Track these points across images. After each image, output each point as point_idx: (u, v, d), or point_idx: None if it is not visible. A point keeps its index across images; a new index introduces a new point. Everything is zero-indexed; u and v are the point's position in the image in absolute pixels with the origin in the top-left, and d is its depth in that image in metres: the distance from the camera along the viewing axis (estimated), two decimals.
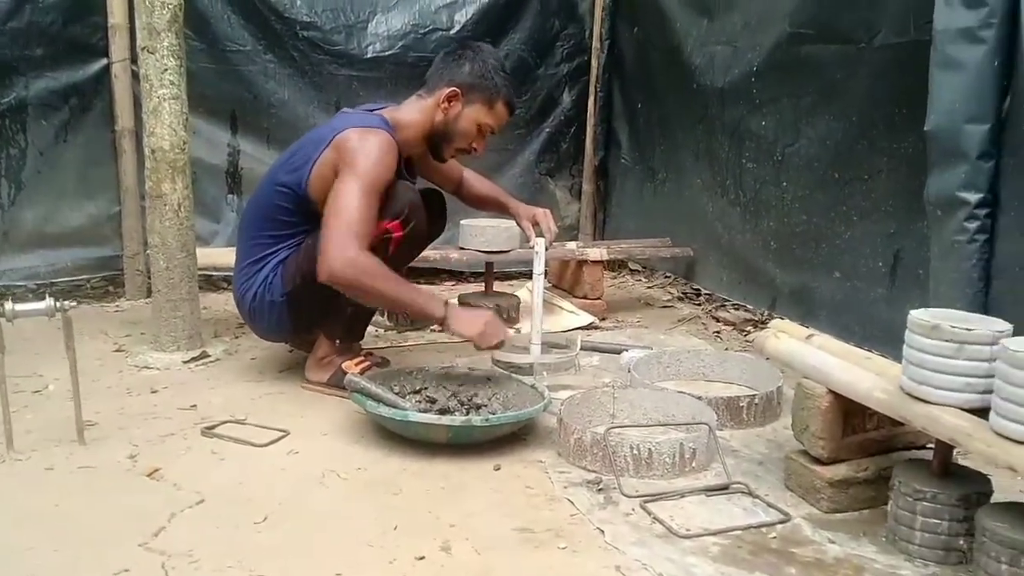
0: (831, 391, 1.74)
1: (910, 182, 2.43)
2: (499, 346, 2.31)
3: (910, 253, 2.50)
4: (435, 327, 3.10)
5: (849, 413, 1.76)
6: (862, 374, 1.72)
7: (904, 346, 1.59)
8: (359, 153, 2.20)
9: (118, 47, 3.34)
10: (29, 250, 3.38)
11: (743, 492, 1.84)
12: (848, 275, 2.76)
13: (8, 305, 1.87)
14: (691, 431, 2.03)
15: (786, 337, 1.95)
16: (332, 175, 2.22)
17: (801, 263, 3.00)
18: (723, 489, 1.85)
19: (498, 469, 1.95)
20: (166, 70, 2.54)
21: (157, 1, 2.49)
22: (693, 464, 1.93)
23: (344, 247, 2.10)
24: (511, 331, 3.13)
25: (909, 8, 2.40)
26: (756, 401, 2.23)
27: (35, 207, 3.36)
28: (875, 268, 2.64)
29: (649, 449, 1.90)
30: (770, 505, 1.78)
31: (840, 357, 1.83)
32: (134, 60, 3.28)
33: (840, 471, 1.77)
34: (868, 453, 1.81)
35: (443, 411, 2.16)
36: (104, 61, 3.38)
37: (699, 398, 2.19)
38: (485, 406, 2.22)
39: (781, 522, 1.71)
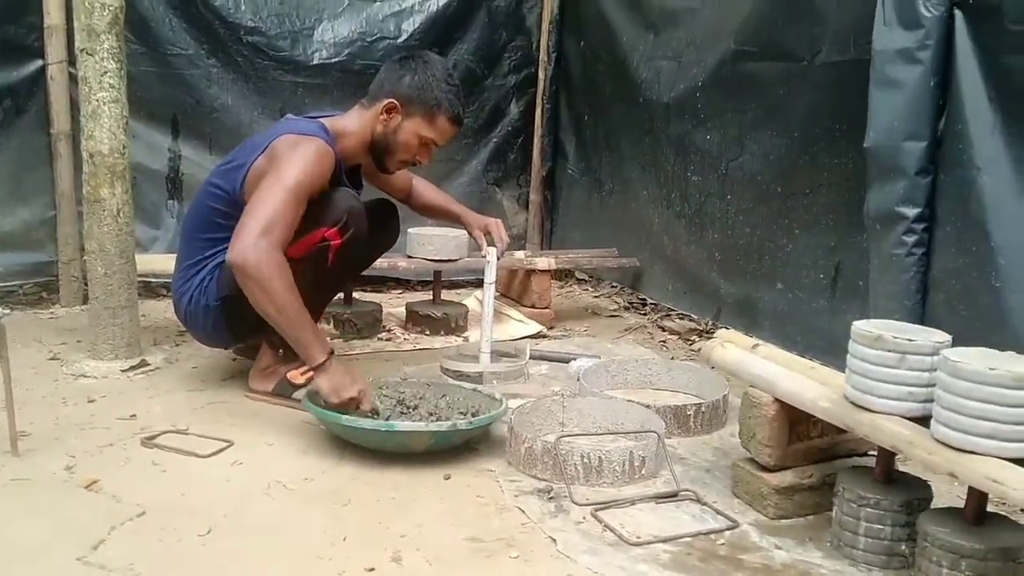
0: (777, 400, 1.77)
1: (850, 196, 2.50)
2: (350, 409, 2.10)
3: (850, 265, 2.57)
4: (383, 336, 3.11)
5: (794, 421, 1.79)
6: (807, 383, 1.76)
7: (848, 356, 1.63)
8: (287, 158, 2.15)
9: (55, 48, 3.24)
10: None
11: (692, 499, 1.87)
12: (791, 286, 2.82)
13: None
14: (640, 439, 2.05)
15: (732, 347, 1.99)
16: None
17: (745, 274, 3.06)
18: (672, 496, 1.87)
19: (448, 479, 1.94)
20: (105, 73, 2.47)
21: (97, 3, 2.42)
22: (642, 472, 1.95)
23: (255, 240, 2.02)
24: (459, 339, 3.13)
25: (850, 28, 2.47)
26: (703, 409, 2.26)
27: None
28: (817, 280, 2.70)
29: (599, 457, 1.91)
30: (718, 512, 1.80)
31: (785, 367, 1.86)
32: (71, 62, 3.18)
33: (786, 478, 1.80)
34: (813, 460, 1.85)
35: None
36: (40, 63, 3.27)
37: (647, 407, 2.21)
38: (436, 413, 2.20)
39: (729, 529, 1.74)
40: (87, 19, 2.43)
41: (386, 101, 2.33)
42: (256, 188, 2.16)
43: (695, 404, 2.27)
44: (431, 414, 2.18)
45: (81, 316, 3.14)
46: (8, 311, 1.90)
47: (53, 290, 3.43)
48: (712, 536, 1.71)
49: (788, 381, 1.78)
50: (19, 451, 1.94)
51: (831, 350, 2.51)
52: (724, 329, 2.34)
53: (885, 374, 1.55)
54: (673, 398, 2.52)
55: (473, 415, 2.14)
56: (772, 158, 2.87)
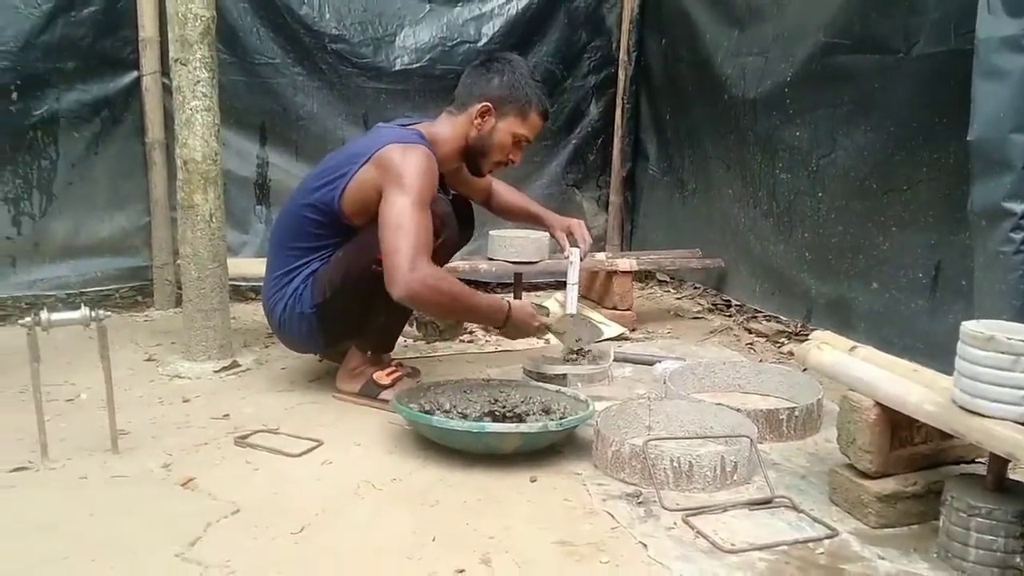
0: (878, 404, 1.70)
1: (951, 192, 2.40)
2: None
3: (952, 264, 2.45)
4: (465, 338, 3.12)
5: (897, 426, 1.72)
6: (911, 386, 1.68)
7: (956, 358, 1.54)
8: (404, 169, 2.17)
9: (149, 60, 3.35)
10: (59, 260, 3.39)
11: (787, 506, 1.80)
12: (887, 286, 2.72)
13: (43, 315, 1.86)
14: (731, 444, 1.99)
15: (829, 349, 1.91)
16: (373, 192, 2.21)
17: (837, 274, 2.95)
18: (766, 503, 1.81)
19: (534, 481, 1.92)
20: (198, 82, 2.54)
21: (190, 14, 2.50)
22: (734, 477, 1.89)
23: (415, 265, 2.09)
24: (541, 342, 3.12)
25: (949, 17, 2.37)
26: (796, 414, 2.19)
27: (65, 218, 3.38)
28: (915, 279, 2.59)
29: (690, 462, 1.86)
30: (816, 520, 1.73)
31: (886, 369, 1.78)
32: (165, 73, 3.30)
33: (888, 485, 1.72)
34: (916, 467, 1.76)
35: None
36: (135, 74, 3.39)
37: (738, 410, 2.15)
38: (531, 414, 2.18)
39: (828, 537, 1.67)
40: (180, 30, 2.50)
41: (479, 105, 2.35)
42: (366, 200, 2.22)
43: (788, 408, 2.19)
44: (517, 415, 2.17)
45: (174, 319, 3.24)
46: (108, 313, 1.96)
47: (148, 293, 3.55)
48: (810, 545, 1.64)
49: (890, 384, 1.70)
50: (119, 449, 2.00)
51: (932, 352, 2.40)
52: (818, 331, 2.26)
53: (998, 377, 1.46)
54: (764, 402, 2.45)
55: (560, 417, 2.12)
56: (867, 154, 2.77)
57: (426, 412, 2.11)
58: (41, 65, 3.22)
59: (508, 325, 2.32)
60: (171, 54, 2.56)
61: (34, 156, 3.28)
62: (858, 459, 1.74)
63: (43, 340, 1.91)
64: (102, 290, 3.49)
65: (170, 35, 2.55)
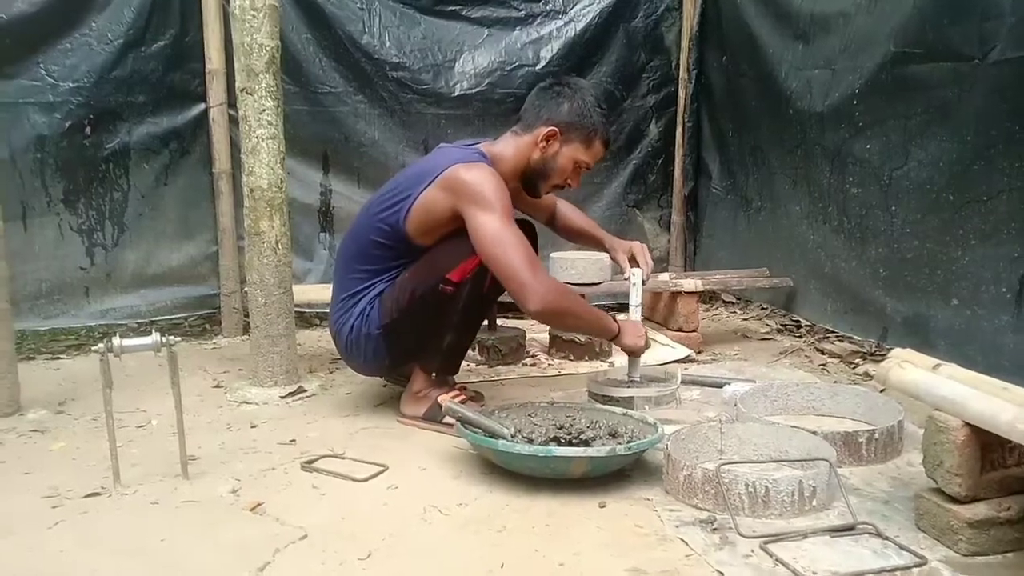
0: (967, 424, 1.61)
1: None
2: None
3: None
4: (528, 361, 3.09)
5: (987, 447, 1.62)
6: (1002, 405, 1.58)
7: None
8: (480, 188, 2.18)
9: (216, 92, 3.44)
10: (130, 290, 3.48)
11: (871, 533, 1.72)
12: (968, 302, 2.60)
13: (116, 341, 1.89)
14: (809, 468, 1.91)
15: (912, 367, 1.83)
16: (441, 213, 2.22)
17: (914, 291, 2.84)
18: (849, 529, 1.73)
19: (603, 507, 1.87)
20: (264, 111, 2.58)
21: (255, 44, 2.55)
22: (813, 503, 1.81)
23: (538, 279, 2.14)
24: (605, 364, 3.07)
25: None
26: (876, 436, 2.09)
27: (136, 248, 3.47)
28: (998, 294, 2.48)
29: (766, 487, 1.79)
30: (902, 547, 1.64)
31: (974, 387, 1.69)
32: (231, 104, 3.38)
33: (980, 510, 1.63)
34: (1010, 491, 1.66)
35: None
36: (202, 106, 3.49)
37: (814, 433, 2.07)
38: (598, 438, 2.13)
39: (917, 565, 1.58)
40: (246, 60, 2.55)
41: (546, 128, 2.34)
42: (432, 221, 2.24)
43: (867, 430, 2.10)
44: (584, 440, 2.12)
45: (241, 346, 3.28)
46: (178, 339, 1.98)
47: (215, 321, 3.61)
48: (898, 573, 1.56)
49: (979, 403, 1.61)
50: (189, 474, 2.01)
51: (1018, 370, 2.29)
52: (897, 349, 2.17)
53: None
54: (841, 424, 2.36)
55: (628, 441, 2.06)
56: (942, 165, 2.67)
57: (491, 436, 2.07)
58: (113, 99, 3.33)
59: (621, 335, 2.39)
60: (237, 83, 2.60)
61: (106, 188, 3.38)
62: (946, 483, 1.65)
63: (114, 367, 1.93)
64: (171, 318, 3.57)
65: (236, 65, 2.60)
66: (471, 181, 2.19)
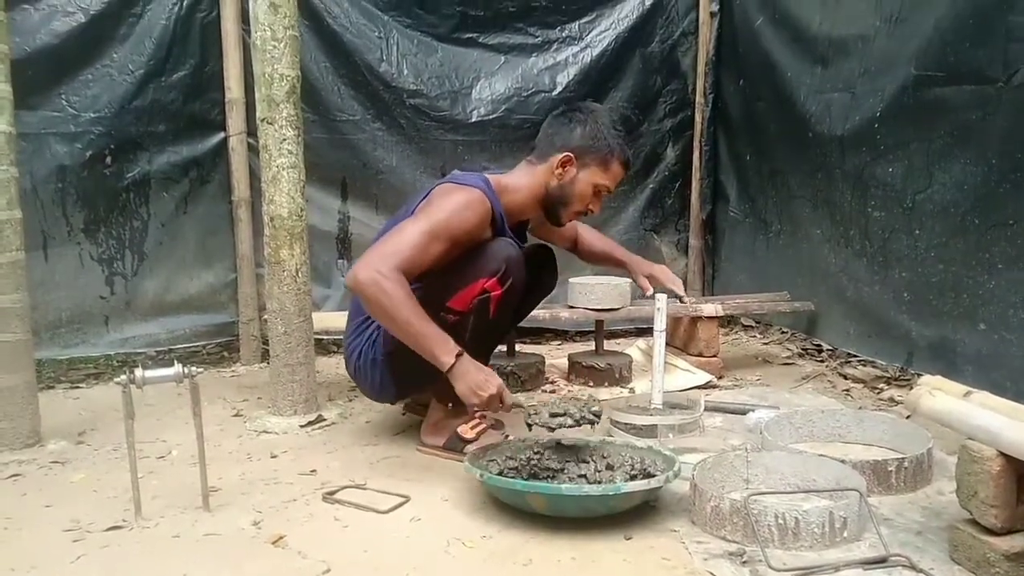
0: (1002, 453, 1.57)
1: None
2: (487, 411, 2.19)
3: None
4: (547, 388, 3.07)
5: (1023, 477, 1.59)
6: None
7: None
8: (439, 201, 2.18)
9: (235, 121, 3.46)
10: (150, 318, 3.49)
11: (905, 565, 1.68)
12: (995, 327, 2.56)
13: (138, 372, 1.88)
14: (838, 498, 1.88)
15: (942, 395, 1.80)
16: None
17: (940, 315, 2.81)
18: (882, 562, 1.69)
19: (629, 539, 1.83)
20: (284, 140, 2.59)
21: (276, 74, 2.56)
22: (844, 534, 1.77)
23: (379, 263, 2.06)
24: (625, 391, 3.04)
25: None
26: (906, 464, 2.05)
27: (156, 276, 3.48)
28: None
29: (796, 518, 1.75)
30: None
31: (1008, 416, 1.66)
32: (250, 133, 3.40)
33: (1017, 542, 1.59)
34: None
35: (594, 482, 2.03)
36: (222, 135, 3.51)
37: (842, 461, 2.03)
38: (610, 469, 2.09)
39: None
40: (267, 90, 2.56)
41: (561, 155, 2.33)
42: None
43: (896, 459, 2.06)
44: (597, 472, 2.08)
45: (260, 374, 3.28)
46: (200, 370, 1.97)
47: (234, 349, 3.61)
48: None
49: (1014, 432, 1.58)
50: (210, 507, 2.00)
51: None
52: (922, 376, 2.14)
53: None
54: (868, 452, 2.32)
55: (644, 473, 2.02)
56: (967, 188, 2.64)
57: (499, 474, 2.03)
58: (134, 129, 3.36)
59: (455, 370, 2.08)
60: (258, 113, 2.61)
61: (127, 217, 3.40)
62: (981, 514, 1.61)
63: (135, 397, 1.92)
64: (190, 346, 3.57)
65: (257, 95, 2.61)
66: (438, 195, 2.20)
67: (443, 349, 2.08)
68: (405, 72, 3.73)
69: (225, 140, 3.50)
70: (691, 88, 4.18)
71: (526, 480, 2.02)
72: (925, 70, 2.76)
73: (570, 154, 2.33)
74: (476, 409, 2.16)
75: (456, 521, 1.94)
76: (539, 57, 3.93)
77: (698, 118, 4.18)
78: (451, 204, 2.17)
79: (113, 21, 3.28)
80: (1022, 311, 2.46)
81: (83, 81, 3.25)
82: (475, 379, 2.10)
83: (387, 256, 2.08)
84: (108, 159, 3.32)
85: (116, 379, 1.90)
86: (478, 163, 3.74)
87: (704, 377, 3.16)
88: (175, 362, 1.95)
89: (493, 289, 2.21)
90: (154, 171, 3.42)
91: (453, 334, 2.13)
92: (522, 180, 2.38)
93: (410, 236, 2.12)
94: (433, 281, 2.20)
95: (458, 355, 2.09)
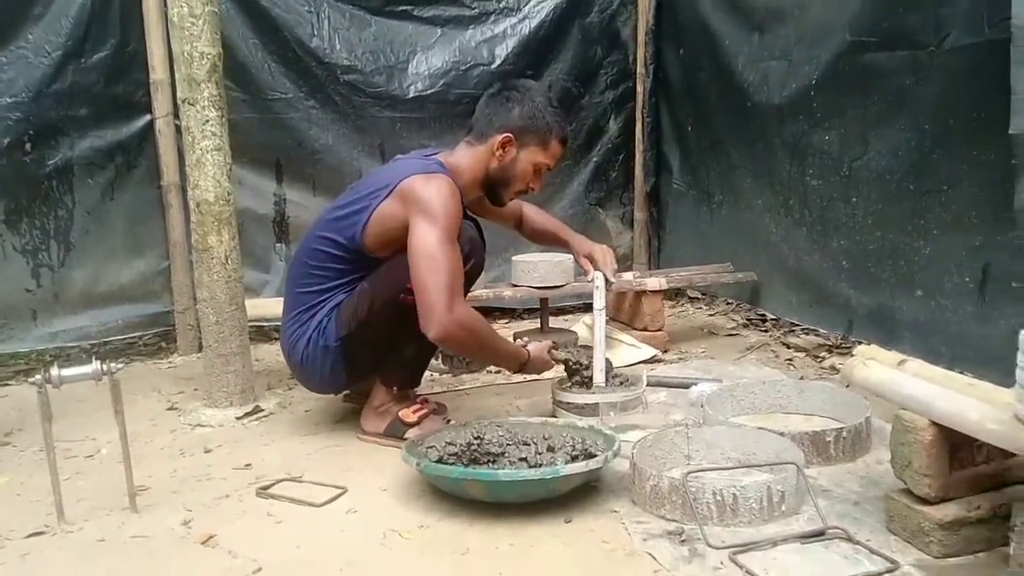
0: (934, 423, 1.57)
1: (994, 190, 2.28)
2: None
3: (1000, 266, 2.32)
4: (493, 369, 3.03)
5: (956, 446, 1.59)
6: (969, 403, 1.55)
7: (1017, 370, 1.42)
8: (431, 200, 2.12)
9: (161, 102, 3.33)
10: (80, 310, 3.36)
11: (842, 538, 1.68)
12: (932, 293, 2.58)
13: (54, 371, 1.81)
14: (777, 472, 1.87)
15: (876, 365, 1.79)
16: (397, 224, 2.15)
17: (878, 282, 2.82)
18: (819, 535, 1.69)
19: (569, 522, 1.81)
20: (207, 121, 2.49)
21: (195, 52, 2.45)
22: (783, 508, 1.77)
23: (451, 305, 2.05)
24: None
25: (982, 6, 2.26)
26: (844, 434, 2.06)
27: (84, 267, 3.35)
28: (962, 284, 2.46)
29: (734, 494, 1.74)
30: (873, 551, 1.61)
31: (940, 384, 1.66)
32: (177, 115, 3.26)
33: (950, 511, 1.59)
34: (980, 489, 1.63)
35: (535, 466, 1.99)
36: (147, 117, 3.37)
37: (781, 434, 2.03)
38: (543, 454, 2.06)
39: (888, 571, 1.54)
40: (187, 69, 2.46)
41: (500, 136, 2.29)
42: (390, 233, 2.17)
43: (835, 429, 2.07)
44: (538, 454, 2.04)
45: (197, 364, 3.19)
46: (122, 365, 1.89)
47: (171, 339, 3.51)
48: None
49: (946, 401, 1.58)
50: (137, 507, 1.93)
51: (984, 361, 2.27)
52: (862, 344, 2.14)
53: None
54: (808, 422, 2.33)
55: (585, 454, 1.99)
56: (901, 154, 2.65)
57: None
58: (54, 114, 3.21)
59: (528, 365, 2.37)
60: (179, 94, 2.51)
61: (50, 206, 3.26)
62: (915, 484, 1.62)
63: (64, 393, 1.85)
64: (124, 338, 3.46)
65: (177, 75, 2.51)
66: (423, 193, 2.13)
67: (518, 353, 2.35)
68: (338, 47, 3.62)
69: (151, 123, 3.36)
70: (632, 59, 4.14)
71: (466, 465, 1.99)
72: (859, 36, 2.75)
73: (509, 134, 2.29)
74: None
75: (394, 511, 1.90)
76: (476, 29, 3.84)
77: (640, 89, 4.14)
78: (445, 199, 2.13)
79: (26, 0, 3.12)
80: (957, 277, 2.48)
81: None
82: (543, 365, 2.41)
83: (448, 295, 2.05)
84: (28, 146, 3.16)
85: (30, 379, 1.82)
86: (417, 141, 3.68)
87: (649, 351, 3.15)
88: (93, 359, 1.86)
89: None
90: (77, 157, 3.27)
91: (409, 315, 2.10)
92: (465, 161, 2.33)
93: (443, 256, 2.08)
94: (397, 263, 2.16)
95: (525, 347, 2.38)
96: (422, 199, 2.13)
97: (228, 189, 2.56)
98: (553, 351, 2.44)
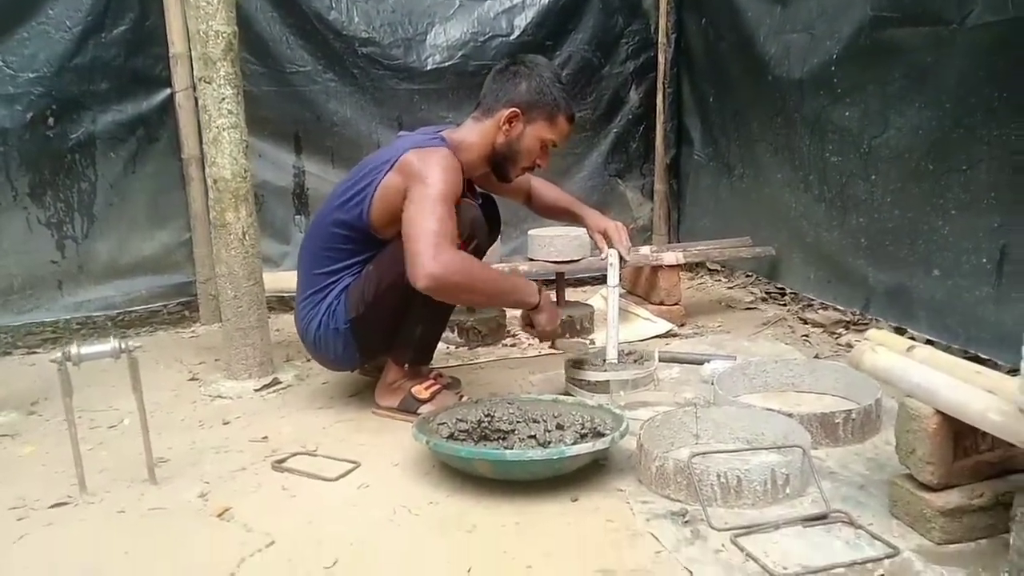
0: (939, 412, 1.58)
1: (1015, 171, 2.23)
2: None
3: (1018, 248, 2.29)
4: (508, 342, 3.05)
5: (960, 434, 1.59)
6: (974, 392, 1.55)
7: (1023, 360, 1.41)
8: (426, 169, 2.14)
9: (180, 76, 3.35)
10: (104, 281, 3.43)
11: (844, 522, 1.69)
12: (949, 273, 2.56)
13: (73, 349, 1.85)
14: (783, 454, 1.89)
15: (885, 351, 1.79)
16: (398, 199, 2.16)
17: (895, 260, 2.80)
18: (821, 519, 1.70)
19: (575, 500, 1.84)
20: (223, 99, 2.51)
21: (211, 31, 2.47)
22: (787, 491, 1.79)
23: (436, 251, 2.03)
24: (587, 341, 3.04)
25: None
26: (853, 416, 2.06)
27: (108, 239, 3.41)
28: (979, 265, 2.43)
29: (738, 476, 1.76)
30: (875, 537, 1.62)
31: (947, 372, 1.65)
32: (196, 88, 3.28)
33: (952, 498, 1.60)
34: (982, 477, 1.63)
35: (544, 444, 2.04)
36: (168, 91, 3.41)
37: (790, 415, 2.04)
38: (551, 433, 2.09)
39: (888, 557, 1.56)
40: (203, 48, 2.47)
41: (507, 111, 2.29)
42: (393, 209, 2.17)
43: (844, 411, 2.07)
44: (547, 432, 2.08)
45: (219, 334, 3.23)
46: (138, 344, 1.94)
47: (194, 308, 3.57)
48: (869, 566, 1.53)
49: (951, 391, 1.57)
50: (156, 479, 1.99)
51: (998, 342, 2.26)
52: (875, 327, 2.14)
53: None
54: (819, 402, 2.33)
55: (594, 433, 2.02)
56: (921, 133, 2.61)
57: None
58: (76, 88, 3.24)
59: (540, 306, 2.29)
60: (195, 73, 2.53)
61: (73, 179, 3.31)
62: (919, 471, 1.62)
63: (86, 364, 1.88)
64: (148, 308, 3.52)
65: (193, 54, 2.53)
66: (419, 164, 2.15)
67: (527, 292, 2.27)
68: (356, 19, 3.61)
69: (171, 96, 3.39)
70: (653, 28, 4.09)
71: (477, 442, 2.03)
72: (881, 11, 2.70)
73: (516, 109, 2.29)
74: (543, 339, 2.46)
75: (404, 487, 1.94)
76: (495, 0, 3.81)
77: (661, 59, 4.10)
78: (441, 168, 2.14)
79: None
80: (974, 257, 2.46)
81: (19, 40, 3.12)
82: (554, 314, 2.34)
83: (435, 241, 2.04)
84: (50, 120, 3.21)
85: (51, 358, 1.87)
86: (435, 113, 3.68)
87: (665, 326, 3.16)
88: (111, 337, 1.90)
89: (460, 248, 2.19)
90: (99, 131, 3.32)
91: (416, 294, 2.10)
92: (472, 137, 2.33)
93: (431, 210, 2.08)
94: (399, 244, 2.16)
95: (539, 291, 2.29)
96: (418, 169, 2.14)
97: (245, 166, 2.58)
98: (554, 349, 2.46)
